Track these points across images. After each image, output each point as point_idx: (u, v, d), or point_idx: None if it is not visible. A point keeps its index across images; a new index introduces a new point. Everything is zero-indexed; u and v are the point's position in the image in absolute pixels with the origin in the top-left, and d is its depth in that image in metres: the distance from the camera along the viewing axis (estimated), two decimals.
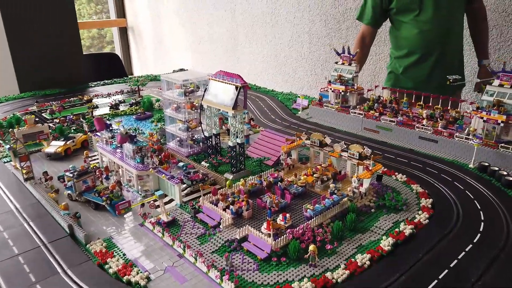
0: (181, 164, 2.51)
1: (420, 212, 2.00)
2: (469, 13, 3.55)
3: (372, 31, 3.76)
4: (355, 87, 3.30)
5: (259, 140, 2.80)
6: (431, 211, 2.00)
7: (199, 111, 2.60)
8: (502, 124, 2.48)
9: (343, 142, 2.32)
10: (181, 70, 5.71)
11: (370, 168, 2.08)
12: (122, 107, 3.82)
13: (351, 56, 3.31)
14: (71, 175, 2.10)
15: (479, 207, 2.05)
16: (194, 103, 2.69)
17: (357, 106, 3.32)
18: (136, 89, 4.21)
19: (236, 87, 2.28)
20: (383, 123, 3.04)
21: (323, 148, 2.39)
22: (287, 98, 4.13)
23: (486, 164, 2.43)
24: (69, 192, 2.15)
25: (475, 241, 1.78)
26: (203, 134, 2.61)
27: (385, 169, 2.43)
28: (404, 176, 2.37)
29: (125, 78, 5.07)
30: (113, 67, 6.38)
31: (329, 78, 3.44)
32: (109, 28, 11.84)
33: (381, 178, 2.29)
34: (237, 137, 2.37)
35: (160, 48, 9.35)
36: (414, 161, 2.62)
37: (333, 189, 2.04)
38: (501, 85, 2.53)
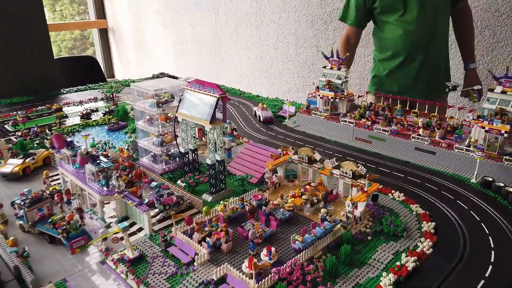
0: (154, 184, 2.24)
1: (422, 239, 1.77)
2: (454, 14, 3.38)
3: (357, 32, 3.58)
4: (345, 94, 3.07)
5: (242, 154, 2.54)
6: (435, 238, 1.77)
7: (173, 123, 2.34)
8: (505, 135, 2.28)
9: (334, 159, 2.07)
10: (162, 74, 5.42)
11: (366, 189, 1.85)
12: (94, 117, 3.53)
13: (340, 60, 3.08)
14: (21, 202, 1.81)
15: (487, 231, 1.83)
16: (169, 115, 2.42)
17: (348, 114, 3.09)
18: (111, 96, 3.90)
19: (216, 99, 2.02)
20: (375, 133, 2.82)
21: (312, 165, 2.14)
22: (273, 104, 3.88)
23: (490, 179, 2.22)
24: (20, 222, 1.86)
25: (487, 275, 1.55)
26: (178, 149, 2.35)
27: (381, 187, 2.20)
28: (402, 194, 2.14)
29: (100, 83, 4.74)
30: (91, 71, 6.05)
31: (317, 83, 3.21)
32: (90, 29, 11.43)
33: (377, 198, 2.06)
34: (216, 153, 2.11)
35: (142, 50, 9.03)
36: (411, 175, 2.39)
37: (325, 214, 1.80)
38: (503, 92, 2.32)
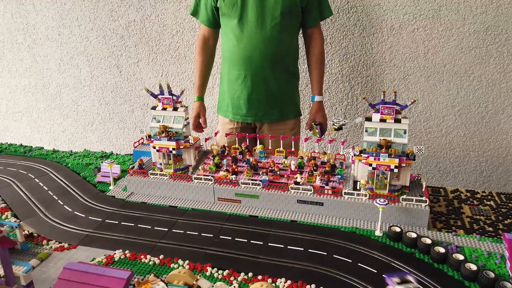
0: None
1: None
2: (304, 40, 3.04)
3: (213, 32, 2.98)
4: (191, 140, 2.28)
5: None
6: None
7: None
8: (396, 170, 1.95)
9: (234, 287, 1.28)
10: None
11: None
12: None
13: (174, 98, 2.26)
14: None
15: None
16: None
17: (199, 167, 2.32)
18: None
19: None
20: (243, 188, 2.14)
21: None
22: (82, 165, 2.74)
23: (398, 229, 1.85)
24: None
25: None
26: None
27: (285, 283, 1.54)
28: None
29: None
30: None
31: (147, 131, 2.31)
32: None
33: None
34: None
35: None
36: (311, 245, 1.82)
37: None
38: (383, 120, 1.99)
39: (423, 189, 2.01)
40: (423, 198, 1.90)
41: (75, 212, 2.14)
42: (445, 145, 4.01)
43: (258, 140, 2.43)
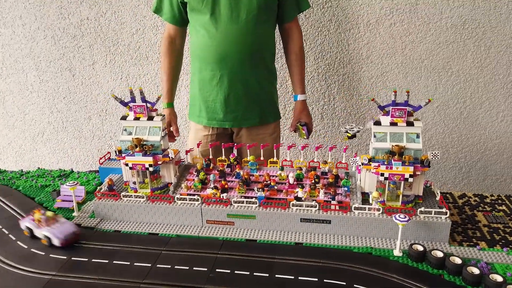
0: None
1: None
2: (282, 35, 2.78)
3: (179, 30, 2.67)
4: (171, 154, 1.95)
5: None
6: None
7: None
8: (411, 180, 1.73)
9: None
10: None
11: None
12: None
13: (149, 105, 1.92)
14: None
15: None
16: None
17: (181, 185, 1.98)
18: None
19: None
20: (236, 208, 1.85)
21: None
22: (36, 187, 2.31)
23: (421, 248, 1.63)
24: None
25: None
26: None
27: None
28: None
29: None
30: None
31: (117, 146, 1.95)
32: None
33: None
34: None
35: None
36: (319, 272, 1.55)
37: None
38: (393, 124, 1.77)
39: (438, 198, 1.81)
40: (443, 210, 1.69)
41: (32, 249, 1.74)
42: (424, 142, 3.92)
43: (248, 150, 2.13)
